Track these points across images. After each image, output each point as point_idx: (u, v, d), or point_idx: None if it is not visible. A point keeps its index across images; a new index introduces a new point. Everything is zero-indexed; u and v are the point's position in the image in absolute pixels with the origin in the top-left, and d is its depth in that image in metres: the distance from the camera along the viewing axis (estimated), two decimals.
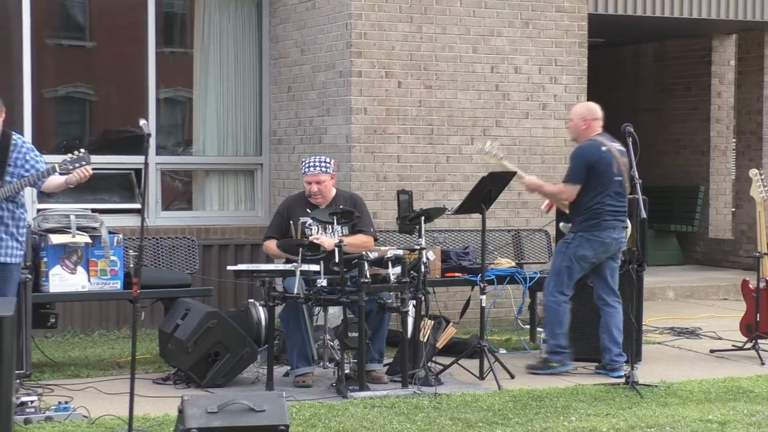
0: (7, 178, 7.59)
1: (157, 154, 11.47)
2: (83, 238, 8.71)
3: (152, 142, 11.21)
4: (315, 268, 8.17)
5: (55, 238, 8.64)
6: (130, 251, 8.93)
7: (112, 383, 8.42)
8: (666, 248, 16.10)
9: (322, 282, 8.12)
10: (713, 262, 16.03)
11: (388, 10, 10.63)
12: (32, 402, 7.25)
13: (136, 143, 11.74)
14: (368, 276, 8.09)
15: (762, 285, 9.96)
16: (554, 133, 11.18)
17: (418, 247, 8.39)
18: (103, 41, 12.45)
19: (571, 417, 7.45)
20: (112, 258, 8.81)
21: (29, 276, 8.15)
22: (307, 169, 8.81)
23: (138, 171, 11.34)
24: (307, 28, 11.17)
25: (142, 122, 6.97)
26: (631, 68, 17.89)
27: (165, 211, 11.46)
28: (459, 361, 8.95)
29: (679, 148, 16.43)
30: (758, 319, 9.91)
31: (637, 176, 8.49)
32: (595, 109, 9.19)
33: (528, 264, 10.88)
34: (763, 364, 9.56)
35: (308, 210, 8.73)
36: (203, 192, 11.75)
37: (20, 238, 7.74)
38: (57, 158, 7.83)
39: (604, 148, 8.91)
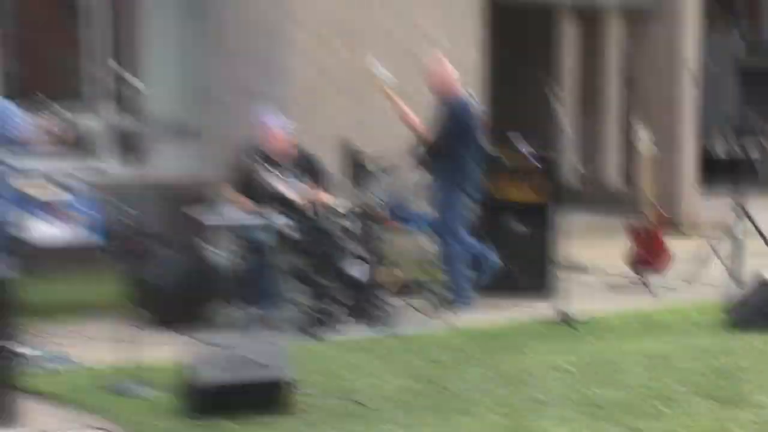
0: None
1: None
2: (61, 193, 7.35)
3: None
4: (284, 220, 6.99)
5: (33, 191, 7.23)
6: None
7: (101, 325, 7.06)
8: None
9: (292, 232, 6.98)
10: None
11: None
12: (30, 353, 5.92)
13: None
14: (336, 227, 7.04)
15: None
16: None
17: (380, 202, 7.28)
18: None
19: (530, 354, 6.48)
20: (89, 212, 7.47)
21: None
22: (263, 120, 7.68)
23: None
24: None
25: (136, 82, 5.69)
26: None
27: (122, 165, 10.04)
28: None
29: None
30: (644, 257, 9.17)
31: None
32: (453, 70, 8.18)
33: None
34: (655, 296, 8.74)
35: (267, 161, 7.48)
36: (157, 148, 10.30)
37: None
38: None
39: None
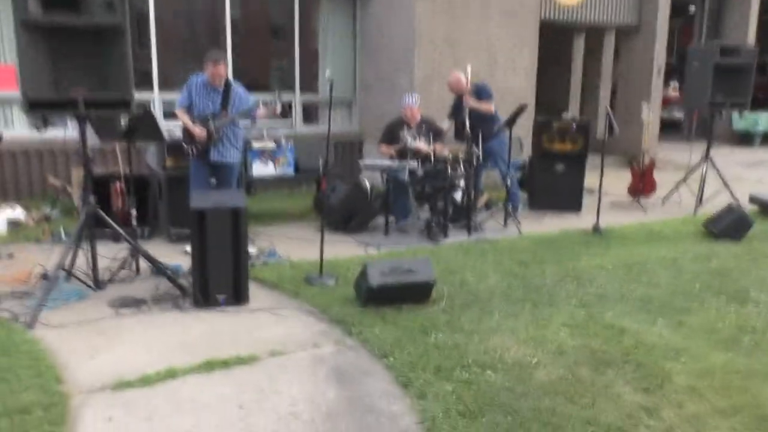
0: (230, 110, 5.18)
1: (300, 93, 8.85)
2: (271, 145, 6.29)
3: (297, 84, 8.79)
4: (414, 163, 5.80)
5: (256, 144, 6.22)
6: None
7: (294, 229, 6.12)
8: None
9: (418, 171, 5.79)
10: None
11: (435, 9, 7.91)
12: (253, 252, 4.95)
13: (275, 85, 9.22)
14: (447, 167, 5.76)
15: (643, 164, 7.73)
16: (518, 83, 8.63)
17: (476, 152, 6.00)
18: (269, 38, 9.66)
19: (582, 256, 5.24)
20: (288, 155, 6.38)
21: (243, 168, 5.82)
22: (405, 103, 6.28)
23: (289, 103, 8.79)
24: (385, 22, 8.41)
25: (327, 73, 4.59)
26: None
27: (305, 125, 8.93)
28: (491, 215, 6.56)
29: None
30: (638, 185, 7.72)
31: None
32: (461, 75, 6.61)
33: None
34: (645, 212, 7.29)
35: (406, 126, 6.28)
36: (324, 114, 9.16)
37: (238, 147, 5.40)
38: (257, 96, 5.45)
39: None
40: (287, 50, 8.93)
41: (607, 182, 8.95)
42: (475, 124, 6.22)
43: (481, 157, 6.10)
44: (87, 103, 3.89)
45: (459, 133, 6.25)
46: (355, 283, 4.04)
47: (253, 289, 4.20)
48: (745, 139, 13.97)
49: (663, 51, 10.96)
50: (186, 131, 5.21)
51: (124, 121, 4.41)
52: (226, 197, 4.09)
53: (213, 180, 5.36)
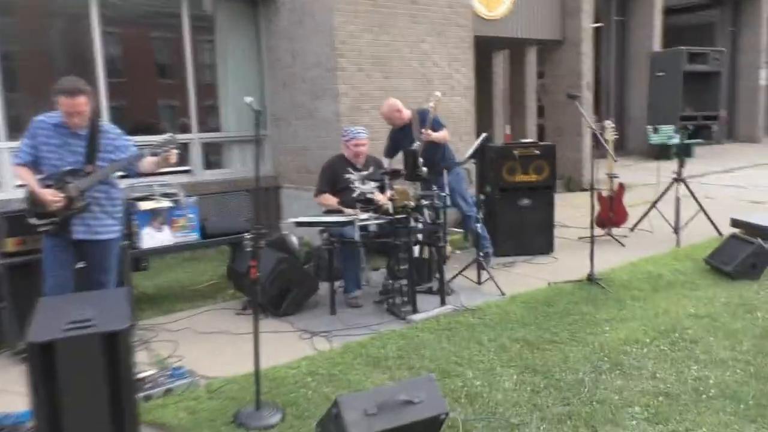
0: (99, 163, 3.53)
1: (199, 132, 7.22)
2: (166, 203, 4.63)
3: (194, 123, 7.17)
4: (364, 216, 4.34)
5: (144, 205, 4.54)
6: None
7: (206, 317, 4.50)
8: None
9: (371, 225, 4.34)
10: None
11: (358, 24, 6.59)
12: (149, 376, 3.27)
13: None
14: (405, 217, 4.34)
15: (611, 194, 6.69)
16: (456, 104, 7.47)
17: (445, 194, 4.68)
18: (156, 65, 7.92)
19: (600, 324, 3.98)
20: (190, 216, 4.74)
21: (127, 242, 4.13)
22: (355, 135, 4.82)
23: (185, 143, 7.12)
24: (298, 44, 6.97)
25: (249, 99, 3.04)
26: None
27: (207, 170, 7.28)
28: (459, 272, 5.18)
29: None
30: (608, 215, 6.69)
31: None
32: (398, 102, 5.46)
33: None
34: (623, 246, 6.25)
35: (348, 168, 4.85)
36: (230, 156, 7.54)
37: (116, 215, 3.72)
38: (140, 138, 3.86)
39: None
40: (178, 87, 7.29)
41: (562, 213, 8.09)
42: (429, 161, 4.95)
43: (447, 199, 4.77)
44: None
45: (409, 172, 4.88)
46: (322, 427, 2.53)
47: None
48: (661, 153, 13.66)
49: (590, 65, 10.28)
50: (32, 198, 3.51)
51: None
52: (96, 308, 2.46)
53: (80, 265, 3.68)
